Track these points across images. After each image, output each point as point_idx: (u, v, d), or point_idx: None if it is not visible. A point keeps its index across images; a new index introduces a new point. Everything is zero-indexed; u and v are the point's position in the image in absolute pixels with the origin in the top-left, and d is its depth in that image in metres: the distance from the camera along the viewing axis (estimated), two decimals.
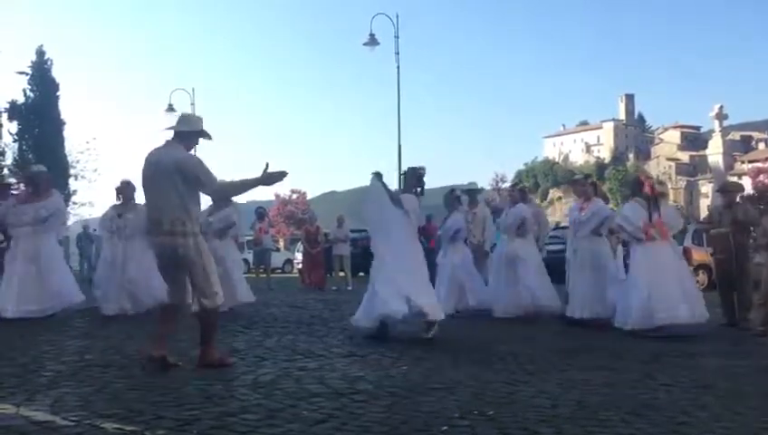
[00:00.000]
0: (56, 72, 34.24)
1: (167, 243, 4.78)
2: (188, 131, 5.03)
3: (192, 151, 5.19)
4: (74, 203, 34.21)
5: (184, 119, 5.14)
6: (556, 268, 8.74)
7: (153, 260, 8.56)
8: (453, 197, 9.33)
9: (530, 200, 9.71)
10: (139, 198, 9.05)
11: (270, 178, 4.90)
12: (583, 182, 8.55)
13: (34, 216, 8.17)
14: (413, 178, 7.18)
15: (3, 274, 8.19)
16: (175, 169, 4.73)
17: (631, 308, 6.98)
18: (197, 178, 4.80)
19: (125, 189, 8.84)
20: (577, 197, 8.79)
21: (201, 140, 5.20)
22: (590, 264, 7.73)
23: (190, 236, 4.80)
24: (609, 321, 7.41)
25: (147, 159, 4.92)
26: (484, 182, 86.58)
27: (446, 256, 8.96)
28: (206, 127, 5.13)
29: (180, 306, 5.01)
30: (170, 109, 31.23)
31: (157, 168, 4.81)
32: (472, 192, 10.17)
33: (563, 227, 15.10)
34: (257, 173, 4.91)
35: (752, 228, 8.05)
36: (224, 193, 5.09)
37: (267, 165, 4.92)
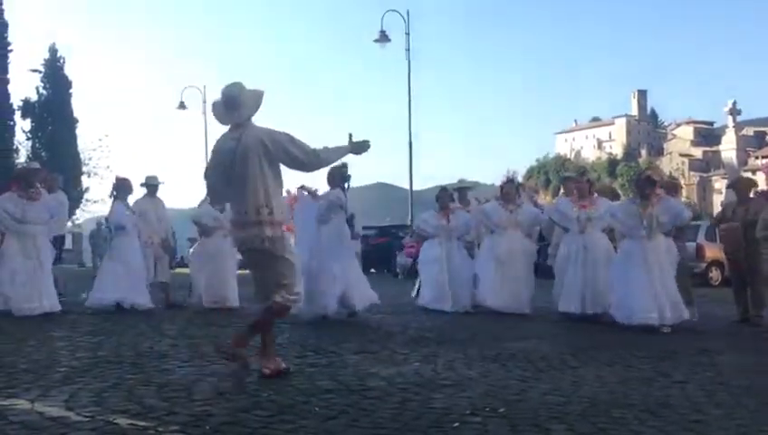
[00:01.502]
0: (69, 70, 34.53)
1: (253, 234, 4.30)
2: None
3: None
4: (87, 200, 34.51)
5: (235, 101, 4.39)
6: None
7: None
8: (447, 195, 9.33)
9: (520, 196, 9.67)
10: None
11: (358, 146, 4.61)
12: (580, 179, 8.59)
13: (48, 213, 8.24)
14: (338, 176, 7.44)
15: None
16: (259, 151, 4.27)
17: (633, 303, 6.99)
18: (290, 153, 4.31)
19: (122, 186, 8.90)
20: (568, 194, 8.80)
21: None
22: (603, 259, 7.71)
23: (278, 226, 4.36)
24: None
25: (219, 149, 4.43)
26: (496, 179, 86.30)
27: (454, 253, 8.94)
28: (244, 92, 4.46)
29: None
30: (182, 106, 31.43)
31: (234, 155, 4.30)
32: (462, 190, 10.17)
33: None
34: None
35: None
36: (320, 164, 4.47)
37: (351, 135, 4.61)
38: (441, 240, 9.10)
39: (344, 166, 7.56)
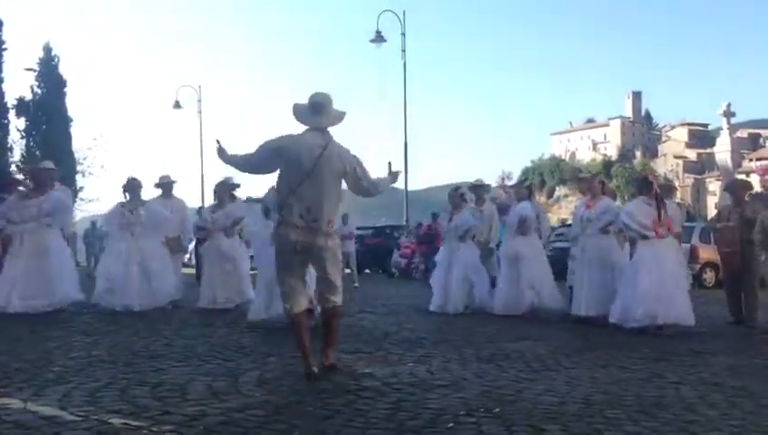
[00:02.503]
0: (63, 69, 34.40)
1: (314, 242, 4.47)
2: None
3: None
4: (81, 199, 34.35)
5: (321, 107, 4.55)
6: (564, 265, 8.71)
7: (164, 257, 8.78)
8: (457, 194, 9.30)
9: (534, 198, 9.65)
10: (146, 194, 9.12)
11: (394, 177, 5.06)
12: (591, 179, 8.53)
13: (38, 211, 8.21)
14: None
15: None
16: (340, 169, 4.49)
17: (631, 306, 6.98)
18: (358, 178, 4.61)
19: (131, 186, 8.86)
20: (582, 194, 8.77)
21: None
22: (598, 261, 7.70)
23: (335, 236, 4.65)
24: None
25: (302, 148, 4.43)
26: (491, 179, 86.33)
27: (456, 254, 8.93)
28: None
29: (311, 308, 4.74)
30: (177, 105, 31.36)
31: (316, 163, 4.40)
32: (479, 189, 10.01)
33: (568, 225, 15.03)
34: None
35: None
36: (376, 192, 4.82)
37: (390, 164, 5.09)
38: (447, 242, 9.19)
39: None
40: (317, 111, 4.54)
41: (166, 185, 9.37)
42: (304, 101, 4.65)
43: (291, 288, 4.58)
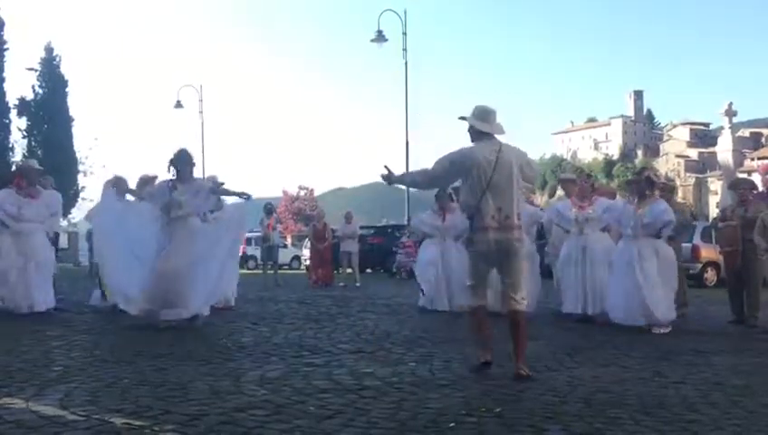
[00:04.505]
0: (65, 69, 34.41)
1: (514, 237, 4.72)
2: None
3: None
4: (83, 199, 34.39)
5: (487, 115, 4.88)
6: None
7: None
8: (445, 194, 9.27)
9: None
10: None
11: None
12: (583, 182, 8.55)
13: (45, 210, 8.21)
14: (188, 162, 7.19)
15: None
16: (517, 167, 4.79)
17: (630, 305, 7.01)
18: (530, 170, 5.05)
19: (119, 184, 8.83)
20: (568, 194, 8.77)
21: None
22: (601, 260, 7.69)
23: (523, 230, 4.95)
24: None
25: (478, 158, 4.70)
26: None
27: (450, 253, 8.92)
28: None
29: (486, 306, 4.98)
30: (179, 105, 31.40)
31: (494, 166, 4.69)
32: None
33: None
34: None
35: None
36: (538, 175, 5.46)
37: None
38: (437, 240, 9.10)
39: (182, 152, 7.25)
40: (485, 119, 4.86)
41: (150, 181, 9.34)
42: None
43: (480, 288, 4.85)
